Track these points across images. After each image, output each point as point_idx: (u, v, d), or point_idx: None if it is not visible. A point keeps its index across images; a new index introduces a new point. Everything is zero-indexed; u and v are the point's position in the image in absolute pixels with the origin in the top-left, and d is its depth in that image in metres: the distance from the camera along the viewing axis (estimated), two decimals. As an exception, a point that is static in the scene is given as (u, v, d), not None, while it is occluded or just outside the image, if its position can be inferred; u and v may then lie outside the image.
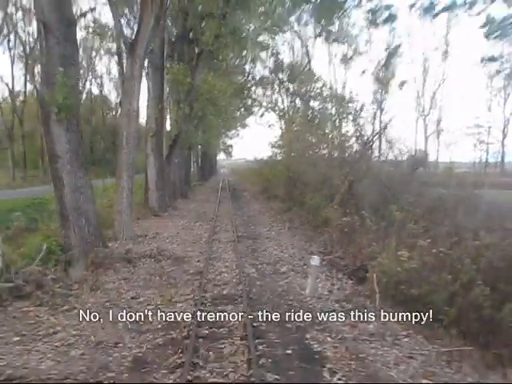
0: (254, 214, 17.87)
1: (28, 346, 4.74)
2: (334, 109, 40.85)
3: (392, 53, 45.99)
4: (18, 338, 4.92)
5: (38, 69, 33.43)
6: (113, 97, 56.50)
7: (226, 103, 18.86)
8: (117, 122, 50.35)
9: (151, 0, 10.32)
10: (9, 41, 34.69)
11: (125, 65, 14.92)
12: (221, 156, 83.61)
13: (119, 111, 14.52)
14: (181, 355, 4.52)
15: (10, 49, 35.12)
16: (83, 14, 23.87)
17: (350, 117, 39.95)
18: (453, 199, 10.56)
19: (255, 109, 36.35)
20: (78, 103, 8.41)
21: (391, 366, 4.43)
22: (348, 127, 19.83)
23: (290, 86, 31.98)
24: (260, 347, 4.75)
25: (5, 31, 33.49)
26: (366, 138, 20.89)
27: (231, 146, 67.53)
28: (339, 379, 4.15)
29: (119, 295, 6.63)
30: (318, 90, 32.60)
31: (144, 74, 13.91)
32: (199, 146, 39.00)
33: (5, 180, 32.82)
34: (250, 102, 34.05)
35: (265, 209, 19.19)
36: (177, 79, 15.19)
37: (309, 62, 36.25)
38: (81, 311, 5.69)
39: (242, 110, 35.31)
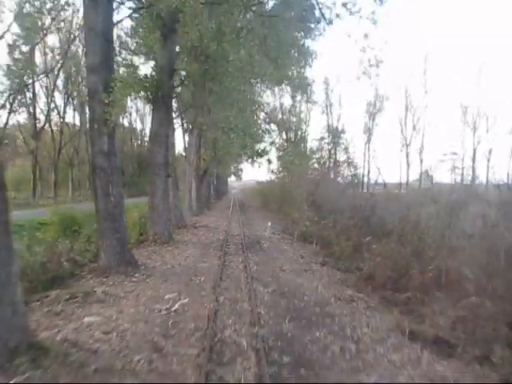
0: (253, 217, 28.88)
1: (170, 254, 15.11)
2: (328, 139, 52.50)
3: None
4: (168, 255, 15.05)
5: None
6: (138, 127, 68.47)
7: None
8: (141, 149, 62.08)
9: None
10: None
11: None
12: (232, 178, 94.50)
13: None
14: (221, 246, 15.07)
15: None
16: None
17: (343, 146, 52.24)
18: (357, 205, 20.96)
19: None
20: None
21: (288, 250, 15.00)
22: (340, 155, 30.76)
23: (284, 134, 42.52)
24: (246, 243, 15.42)
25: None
26: (327, 164, 32.35)
27: (241, 169, 78.52)
28: (268, 247, 14.87)
29: (194, 236, 17.35)
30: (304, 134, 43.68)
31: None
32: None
33: (67, 197, 43.58)
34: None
35: (261, 215, 30.02)
36: (205, 136, 26.12)
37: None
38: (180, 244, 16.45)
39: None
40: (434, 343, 6.36)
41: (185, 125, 26.46)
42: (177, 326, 6.27)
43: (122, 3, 10.92)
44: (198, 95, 14.06)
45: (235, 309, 7.21)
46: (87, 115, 11.62)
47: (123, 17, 12.33)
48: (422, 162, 62.55)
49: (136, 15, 11.90)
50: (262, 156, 25.66)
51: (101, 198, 9.28)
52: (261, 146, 26.21)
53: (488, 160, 61.23)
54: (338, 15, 16.25)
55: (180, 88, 14.51)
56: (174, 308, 7.11)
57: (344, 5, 15.17)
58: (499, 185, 12.69)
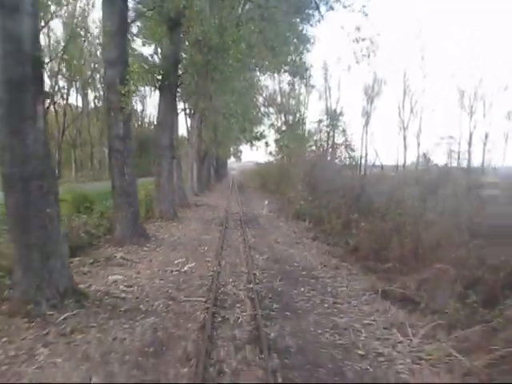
0: (252, 197, 30.26)
1: (175, 229, 16.37)
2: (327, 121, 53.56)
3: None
4: (174, 229, 16.34)
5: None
6: (139, 108, 69.24)
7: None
8: (142, 130, 63.53)
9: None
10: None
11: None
12: (231, 159, 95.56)
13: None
14: (222, 222, 16.34)
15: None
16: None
17: (341, 128, 53.52)
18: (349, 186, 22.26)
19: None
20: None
21: (283, 226, 16.32)
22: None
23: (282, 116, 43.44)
24: (244, 220, 16.74)
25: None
26: (325, 146, 33.43)
27: (241, 150, 79.59)
28: (264, 223, 16.18)
29: (196, 214, 18.67)
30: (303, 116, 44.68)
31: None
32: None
33: (70, 177, 44.78)
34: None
35: (259, 195, 31.28)
36: (206, 120, 27.28)
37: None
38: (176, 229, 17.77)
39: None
40: (402, 300, 7.65)
41: (187, 109, 27.61)
42: (186, 282, 7.61)
43: (138, 4, 12.02)
44: (201, 83, 15.18)
45: (235, 271, 8.57)
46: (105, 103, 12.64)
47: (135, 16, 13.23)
48: (419, 145, 63.87)
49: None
50: (259, 140, 26.80)
51: (117, 176, 10.53)
52: (260, 129, 27.28)
53: (484, 144, 62.44)
54: (332, 7, 17.44)
55: (184, 76, 15.58)
56: (183, 270, 8.46)
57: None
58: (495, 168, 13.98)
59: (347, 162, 27.90)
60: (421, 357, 4.98)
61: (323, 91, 55.79)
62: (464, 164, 29.59)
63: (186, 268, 8.58)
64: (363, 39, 16.72)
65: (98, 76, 47.74)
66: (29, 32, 5.35)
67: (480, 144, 58.59)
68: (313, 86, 43.53)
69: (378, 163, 30.99)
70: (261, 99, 39.75)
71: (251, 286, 7.40)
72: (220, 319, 5.86)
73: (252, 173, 51.48)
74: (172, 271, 8.35)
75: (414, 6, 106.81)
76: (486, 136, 61.62)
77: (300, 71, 33.20)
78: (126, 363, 4.45)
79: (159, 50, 16.08)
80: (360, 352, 5.00)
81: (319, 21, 18.55)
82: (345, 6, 16.14)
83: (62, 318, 5.50)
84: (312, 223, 16.73)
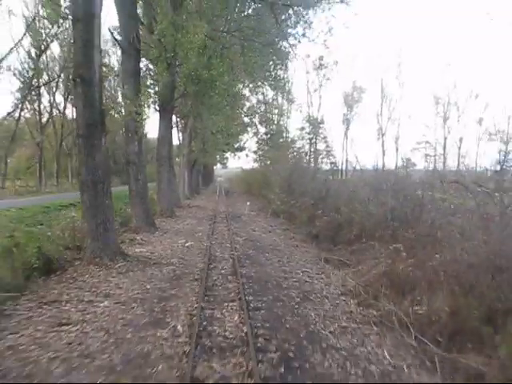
0: (237, 200, 34.04)
1: (174, 223, 20.23)
2: (308, 129, 57.67)
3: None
4: (173, 223, 20.22)
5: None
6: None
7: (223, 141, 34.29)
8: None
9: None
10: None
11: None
12: (218, 166, 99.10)
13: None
14: (211, 218, 20.14)
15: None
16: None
17: (322, 135, 57.91)
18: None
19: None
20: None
21: (261, 221, 20.10)
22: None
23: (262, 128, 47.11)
24: (229, 217, 20.48)
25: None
26: (307, 152, 37.18)
27: (227, 158, 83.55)
28: (246, 219, 19.94)
29: (189, 213, 22.35)
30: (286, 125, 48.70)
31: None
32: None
33: (67, 185, 48.18)
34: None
35: (243, 199, 34.96)
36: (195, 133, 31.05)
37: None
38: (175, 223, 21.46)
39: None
40: (337, 263, 11.42)
41: (179, 125, 31.36)
42: (189, 251, 11.39)
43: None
44: (193, 106, 18.94)
45: (221, 245, 12.39)
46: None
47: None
48: (397, 149, 68.43)
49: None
50: (241, 151, 30.62)
51: (133, 182, 14.20)
52: (241, 141, 30.99)
53: (459, 148, 67.02)
54: (299, 41, 21.39)
55: (179, 101, 19.35)
56: (185, 245, 12.20)
57: (303, 34, 20.34)
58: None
59: (328, 168, 31.93)
60: (329, 283, 8.74)
61: (303, 102, 59.97)
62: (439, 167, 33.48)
63: (187, 244, 12.34)
64: (325, 67, 20.69)
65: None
66: (97, 95, 9.08)
67: (455, 148, 63.29)
68: (292, 101, 47.75)
69: (358, 167, 35.14)
70: (245, 109, 43.57)
71: (232, 252, 11.19)
72: (213, 266, 9.65)
73: (237, 179, 55.28)
74: (178, 246, 12.11)
75: (391, 16, 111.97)
76: (461, 140, 66.35)
77: (279, 85, 37.28)
78: (160, 281, 8.17)
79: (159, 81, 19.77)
80: (294, 279, 8.77)
81: (289, 52, 22.50)
82: (310, 40, 20.18)
83: (117, 266, 9.19)
84: (285, 219, 20.49)
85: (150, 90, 16.59)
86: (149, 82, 19.07)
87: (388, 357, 5.12)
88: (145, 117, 13.78)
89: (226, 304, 6.78)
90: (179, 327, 5.68)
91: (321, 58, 42.05)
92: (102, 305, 6.65)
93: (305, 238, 15.30)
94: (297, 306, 6.85)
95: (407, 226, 11.76)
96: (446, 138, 67.04)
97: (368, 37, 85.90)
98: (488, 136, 61.56)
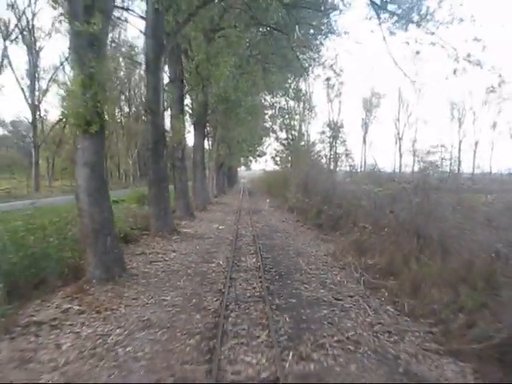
0: (258, 199, 38.15)
1: (207, 214, 24.47)
2: (329, 133, 61.57)
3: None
4: (206, 215, 24.59)
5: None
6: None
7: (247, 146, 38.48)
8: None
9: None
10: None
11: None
12: (242, 168, 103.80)
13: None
14: (236, 212, 24.31)
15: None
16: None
17: (341, 139, 61.67)
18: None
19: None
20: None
21: (278, 215, 24.19)
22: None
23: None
24: (251, 211, 24.62)
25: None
26: (320, 154, 41.00)
27: (250, 160, 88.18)
28: (265, 214, 24.06)
29: (218, 208, 26.60)
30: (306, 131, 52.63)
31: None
32: (226, 164, 59.26)
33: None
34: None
35: (264, 198, 39.11)
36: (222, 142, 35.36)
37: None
38: (208, 215, 25.75)
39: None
40: (329, 240, 15.43)
41: (209, 134, 35.86)
42: (221, 231, 15.62)
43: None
44: (222, 121, 23.23)
45: (245, 228, 16.59)
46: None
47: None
48: (414, 152, 71.48)
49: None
50: (261, 156, 34.73)
51: (177, 182, 18.52)
52: (263, 145, 35.13)
53: (474, 151, 69.68)
54: (311, 65, 25.29)
55: (210, 116, 23.68)
56: (219, 228, 16.43)
57: (314, 59, 24.30)
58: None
59: (347, 170, 35.69)
60: (318, 249, 12.77)
61: (325, 107, 63.73)
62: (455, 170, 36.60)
63: (220, 227, 16.58)
64: (333, 86, 24.62)
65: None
66: (161, 122, 13.38)
67: (471, 151, 66.16)
68: (311, 110, 51.56)
69: (376, 170, 38.83)
70: (267, 116, 47.54)
71: (253, 232, 15.33)
72: (239, 239, 13.83)
73: (260, 180, 59.49)
74: (212, 228, 16.37)
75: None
76: (476, 144, 69.04)
77: (297, 96, 41.38)
78: (205, 245, 12.39)
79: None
80: (294, 246, 12.86)
81: (303, 74, 26.58)
82: (319, 64, 24.17)
83: (173, 238, 13.45)
84: (298, 214, 24.48)
85: (188, 110, 20.83)
86: (186, 102, 23.40)
87: (339, 278, 9.17)
88: (186, 131, 18.08)
89: (248, 256, 10.96)
90: (221, 262, 9.94)
91: (328, 79, 45.69)
92: (172, 255, 10.92)
93: (311, 227, 19.22)
94: (293, 257, 11.00)
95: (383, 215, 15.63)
96: (460, 142, 70.01)
97: (386, 45, 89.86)
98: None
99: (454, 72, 11.32)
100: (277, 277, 8.85)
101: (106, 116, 7.90)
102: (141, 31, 17.59)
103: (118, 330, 5.74)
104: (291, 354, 5.00)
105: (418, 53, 11.90)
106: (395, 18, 11.19)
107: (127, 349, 5.14)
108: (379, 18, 11.22)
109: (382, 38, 11.63)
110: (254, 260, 10.36)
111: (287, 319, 6.25)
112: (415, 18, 10.79)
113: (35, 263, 7.73)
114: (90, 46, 7.50)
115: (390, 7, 10.93)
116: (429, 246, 10.16)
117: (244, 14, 19.37)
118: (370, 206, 18.13)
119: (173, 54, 17.64)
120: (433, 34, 10.82)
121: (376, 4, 11.02)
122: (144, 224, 14.13)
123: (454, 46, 10.92)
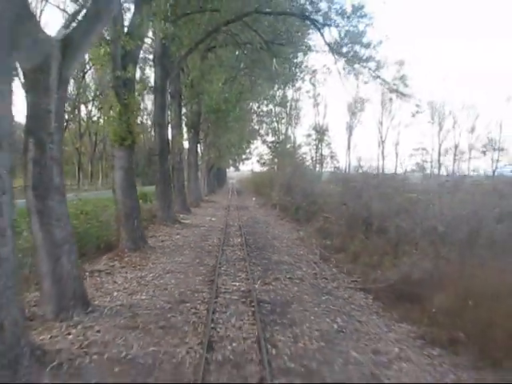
0: (246, 198, 41.49)
1: (200, 210, 27.74)
2: (314, 135, 65.28)
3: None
4: (200, 210, 27.83)
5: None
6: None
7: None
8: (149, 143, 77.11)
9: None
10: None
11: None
12: (230, 169, 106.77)
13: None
14: (225, 208, 27.60)
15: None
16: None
17: (326, 142, 65.76)
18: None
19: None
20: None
21: (262, 211, 27.55)
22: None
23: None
24: (239, 207, 27.96)
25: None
26: (304, 157, 44.59)
27: (239, 162, 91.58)
28: (251, 210, 27.44)
29: (209, 205, 29.90)
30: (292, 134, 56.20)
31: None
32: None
33: (99, 184, 56.28)
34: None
35: (251, 197, 42.53)
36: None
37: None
38: (201, 210, 29.05)
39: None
40: (301, 229, 18.85)
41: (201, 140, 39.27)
42: (214, 223, 18.99)
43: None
44: (213, 128, 26.58)
45: (233, 220, 19.96)
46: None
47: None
48: (397, 155, 75.60)
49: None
50: (248, 159, 38.11)
51: (175, 182, 21.79)
52: (251, 148, 38.52)
53: (454, 154, 73.65)
54: (292, 80, 28.62)
55: (203, 124, 27.02)
56: (211, 220, 19.75)
57: (295, 74, 27.60)
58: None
59: (332, 170, 39.13)
60: (291, 236, 16.17)
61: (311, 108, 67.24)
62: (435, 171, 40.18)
63: (212, 219, 19.94)
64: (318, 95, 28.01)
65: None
66: (166, 133, 16.70)
67: (451, 154, 70.12)
68: (297, 114, 55.07)
69: (360, 171, 42.53)
70: (255, 119, 50.92)
71: (239, 223, 18.67)
72: (228, 228, 17.16)
73: (247, 180, 62.88)
74: (206, 220, 19.71)
75: (394, 31, 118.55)
76: (456, 147, 73.03)
77: (283, 102, 44.82)
78: (202, 231, 15.73)
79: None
80: (272, 233, 16.24)
81: (288, 85, 30.02)
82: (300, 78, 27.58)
83: (175, 226, 16.75)
84: (280, 210, 27.83)
85: (184, 118, 24.17)
86: (183, 111, 26.73)
87: (301, 252, 12.60)
88: (185, 137, 21.38)
89: (235, 237, 14.36)
90: (215, 241, 13.37)
91: (308, 91, 50.28)
92: (176, 237, 14.26)
93: (290, 221, 22.57)
94: (269, 239, 14.43)
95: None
96: (440, 145, 73.97)
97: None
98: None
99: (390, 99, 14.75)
100: (255, 249, 12.25)
101: (135, 134, 11.19)
102: (149, 59, 20.91)
103: (151, 275, 9.06)
104: (259, 281, 8.42)
105: (366, 83, 15.48)
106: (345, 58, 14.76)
107: (160, 281, 8.50)
108: (335, 57, 14.79)
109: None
110: (239, 240, 13.76)
111: (259, 269, 9.68)
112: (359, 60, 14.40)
113: (80, 239, 11.01)
114: (124, 85, 10.81)
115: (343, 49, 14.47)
116: (371, 229, 13.65)
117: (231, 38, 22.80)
118: (333, 201, 21.51)
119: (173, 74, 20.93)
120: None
121: (332, 48, 14.56)
122: (149, 216, 17.36)
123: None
